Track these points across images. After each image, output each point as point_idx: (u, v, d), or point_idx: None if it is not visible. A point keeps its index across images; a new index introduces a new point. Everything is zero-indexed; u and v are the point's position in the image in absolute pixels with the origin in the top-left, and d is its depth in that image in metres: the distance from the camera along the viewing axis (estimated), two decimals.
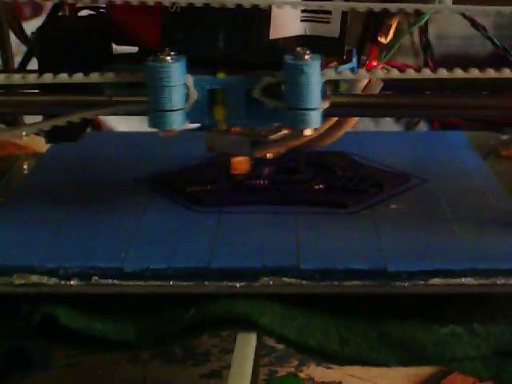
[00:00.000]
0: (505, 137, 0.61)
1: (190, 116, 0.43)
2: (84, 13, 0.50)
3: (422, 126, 0.75)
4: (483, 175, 0.55)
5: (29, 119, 0.62)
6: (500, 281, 0.42)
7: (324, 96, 0.42)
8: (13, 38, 0.57)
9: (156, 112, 0.42)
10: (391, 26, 0.47)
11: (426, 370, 0.51)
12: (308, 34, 0.44)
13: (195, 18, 0.44)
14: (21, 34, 0.55)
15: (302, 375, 0.52)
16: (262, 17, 0.43)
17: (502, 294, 0.43)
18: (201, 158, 0.56)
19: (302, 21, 0.44)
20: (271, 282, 0.42)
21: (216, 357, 0.53)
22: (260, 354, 0.44)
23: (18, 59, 0.57)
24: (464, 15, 0.62)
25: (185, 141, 0.62)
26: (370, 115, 0.59)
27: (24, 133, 0.45)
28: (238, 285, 0.42)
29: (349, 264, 0.43)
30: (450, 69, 0.43)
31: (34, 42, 0.47)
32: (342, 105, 0.45)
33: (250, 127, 0.47)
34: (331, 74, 0.43)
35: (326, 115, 0.43)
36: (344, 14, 0.44)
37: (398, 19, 0.47)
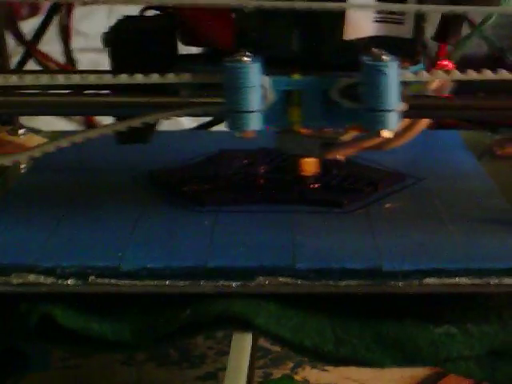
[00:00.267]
0: (499, 136, 0.61)
1: (266, 117, 0.43)
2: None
3: None
4: (478, 175, 0.55)
5: (23, 120, 0.62)
6: (494, 281, 0.42)
7: (401, 97, 0.42)
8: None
9: (234, 113, 0.42)
10: (461, 25, 0.47)
11: (420, 373, 0.51)
12: (382, 34, 0.44)
13: (268, 17, 0.43)
14: (18, 35, 0.55)
15: (297, 377, 0.52)
16: (337, 17, 0.43)
17: (495, 294, 0.44)
18: (198, 157, 0.57)
19: (375, 22, 0.44)
20: (267, 282, 0.42)
21: (211, 359, 0.53)
22: (255, 356, 0.44)
23: (14, 60, 0.57)
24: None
25: (182, 140, 0.62)
26: (445, 117, 0.58)
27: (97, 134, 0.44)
28: (233, 284, 0.43)
29: (344, 263, 0.43)
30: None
31: (107, 43, 0.46)
32: (417, 107, 0.44)
33: (318, 129, 0.47)
34: (409, 75, 0.42)
35: (402, 117, 0.43)
36: (417, 15, 0.43)
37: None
